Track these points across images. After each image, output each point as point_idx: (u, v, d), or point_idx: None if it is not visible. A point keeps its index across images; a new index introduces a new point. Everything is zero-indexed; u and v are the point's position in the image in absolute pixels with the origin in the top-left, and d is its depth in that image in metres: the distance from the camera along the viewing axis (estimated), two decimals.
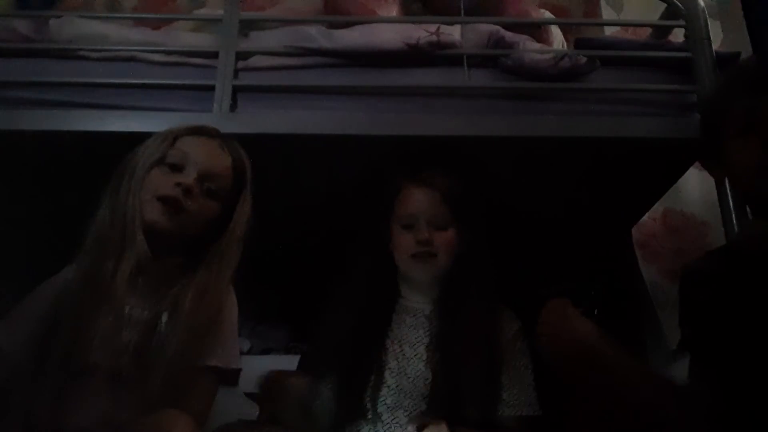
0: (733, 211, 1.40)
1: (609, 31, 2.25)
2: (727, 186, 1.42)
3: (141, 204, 1.09)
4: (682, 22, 1.59)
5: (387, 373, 1.25)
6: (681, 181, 1.78)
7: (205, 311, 1.08)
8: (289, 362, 1.41)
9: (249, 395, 1.61)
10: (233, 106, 1.44)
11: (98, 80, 1.46)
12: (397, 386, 1.24)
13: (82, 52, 1.50)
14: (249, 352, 1.79)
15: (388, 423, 1.22)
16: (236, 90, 1.46)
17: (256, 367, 1.66)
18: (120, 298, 1.04)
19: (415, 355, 1.27)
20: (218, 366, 1.11)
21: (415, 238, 1.29)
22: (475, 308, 1.26)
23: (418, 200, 1.32)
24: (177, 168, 1.12)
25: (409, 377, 1.25)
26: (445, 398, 1.19)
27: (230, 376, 1.14)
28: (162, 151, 1.13)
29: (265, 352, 1.87)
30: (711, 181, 1.47)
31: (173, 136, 1.16)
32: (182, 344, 1.03)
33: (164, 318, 1.07)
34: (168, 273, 1.12)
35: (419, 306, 1.33)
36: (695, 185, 2.01)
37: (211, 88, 1.44)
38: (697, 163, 1.69)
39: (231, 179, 1.18)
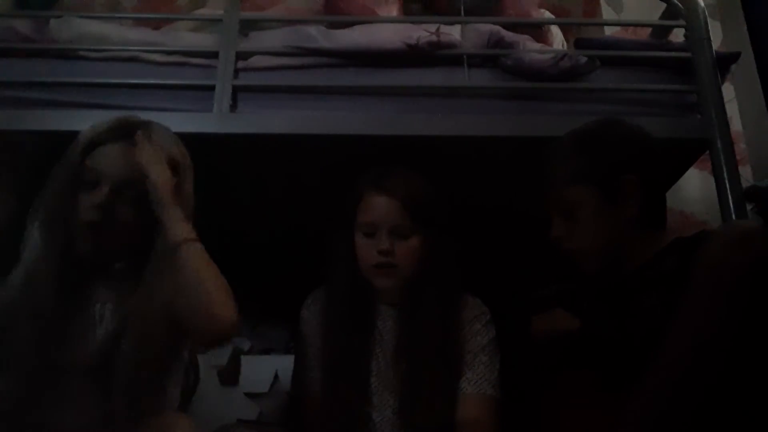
0: (733, 211, 1.40)
1: (609, 31, 2.25)
2: (727, 186, 1.42)
3: (74, 232, 1.07)
4: (682, 22, 1.59)
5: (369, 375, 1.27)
6: (681, 181, 1.78)
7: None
8: (289, 362, 1.41)
9: (249, 395, 1.62)
10: (233, 106, 1.44)
11: (98, 80, 1.46)
12: (380, 385, 1.26)
13: (82, 52, 1.51)
14: (249, 352, 1.79)
15: (378, 422, 1.23)
16: (236, 90, 1.46)
17: (256, 367, 1.67)
18: (51, 313, 1.02)
19: (389, 356, 1.28)
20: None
21: (376, 248, 1.27)
22: (436, 312, 1.27)
23: (378, 209, 1.28)
24: (92, 185, 1.08)
25: (389, 377, 1.26)
26: (412, 397, 1.22)
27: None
28: (74, 172, 1.09)
29: (265, 352, 1.87)
30: (711, 181, 1.48)
31: (82, 152, 1.10)
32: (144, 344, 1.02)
33: (127, 314, 1.06)
34: (125, 270, 1.11)
35: (387, 310, 1.33)
36: (695, 185, 2.01)
37: (211, 88, 1.44)
38: (697, 163, 1.69)
39: None
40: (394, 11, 1.83)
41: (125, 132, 1.13)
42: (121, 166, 1.09)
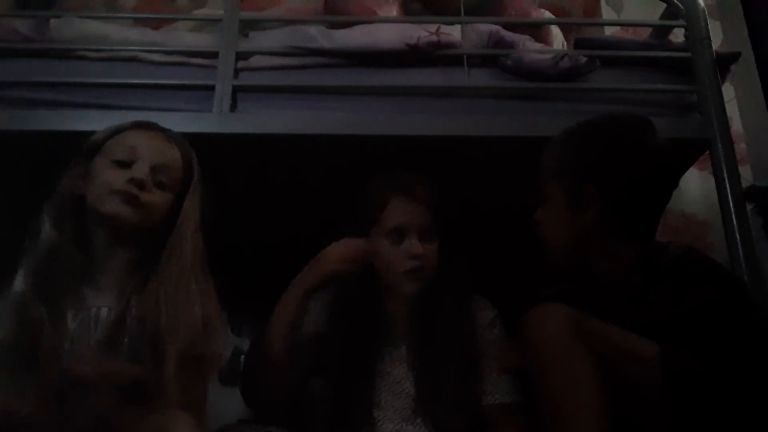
0: (733, 211, 1.40)
1: (609, 31, 2.25)
2: (727, 186, 1.42)
3: (96, 199, 1.09)
4: (682, 22, 1.59)
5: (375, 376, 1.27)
6: (681, 181, 1.78)
7: (177, 303, 1.05)
8: None
9: None
10: (233, 106, 1.44)
11: (98, 80, 1.46)
12: (385, 386, 1.26)
13: (82, 52, 1.50)
14: None
15: (380, 419, 1.23)
16: (236, 90, 1.46)
17: None
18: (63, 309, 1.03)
19: (399, 356, 1.28)
20: (203, 353, 1.08)
21: (407, 252, 1.25)
22: (451, 313, 1.27)
23: (407, 213, 1.28)
24: (126, 164, 1.11)
25: (396, 378, 1.26)
26: (429, 398, 1.21)
27: (213, 363, 1.13)
28: (103, 142, 1.13)
29: None
30: (711, 181, 1.48)
31: (114, 130, 1.15)
32: (158, 339, 1.02)
33: (131, 315, 1.06)
34: (128, 269, 1.11)
35: (398, 310, 1.32)
36: (695, 185, 2.01)
37: (211, 88, 1.44)
38: (697, 163, 1.69)
39: (181, 171, 1.17)
40: (394, 11, 1.83)
41: (145, 124, 1.18)
42: (157, 148, 1.14)
